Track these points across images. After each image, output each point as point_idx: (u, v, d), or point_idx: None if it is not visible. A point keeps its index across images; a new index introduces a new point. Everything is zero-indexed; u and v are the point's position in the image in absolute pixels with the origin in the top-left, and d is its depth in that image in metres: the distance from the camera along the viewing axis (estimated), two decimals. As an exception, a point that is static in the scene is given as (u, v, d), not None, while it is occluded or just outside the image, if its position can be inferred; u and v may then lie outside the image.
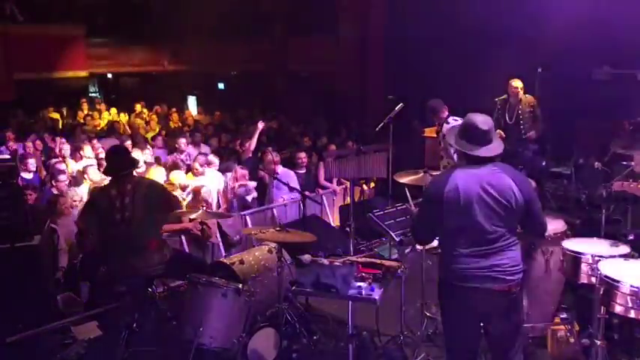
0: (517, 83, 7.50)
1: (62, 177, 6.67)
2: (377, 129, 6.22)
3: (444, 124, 6.54)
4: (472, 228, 3.12)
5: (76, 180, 7.15)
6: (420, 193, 4.59)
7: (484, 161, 3.17)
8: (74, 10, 15.50)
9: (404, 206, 4.77)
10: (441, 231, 3.27)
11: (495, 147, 3.21)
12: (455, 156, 3.33)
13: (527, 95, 7.59)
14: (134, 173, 4.55)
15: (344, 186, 8.20)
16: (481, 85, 9.35)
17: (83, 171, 7.21)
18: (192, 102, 18.03)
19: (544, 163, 7.63)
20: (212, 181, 7.33)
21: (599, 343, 3.76)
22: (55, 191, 6.49)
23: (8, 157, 7.11)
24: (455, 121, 6.49)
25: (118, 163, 4.43)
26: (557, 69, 9.00)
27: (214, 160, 7.79)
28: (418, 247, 5.04)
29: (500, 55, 9.47)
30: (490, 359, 3.54)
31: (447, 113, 6.63)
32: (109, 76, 18.20)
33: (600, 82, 8.94)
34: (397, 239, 4.46)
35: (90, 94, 17.52)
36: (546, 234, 3.68)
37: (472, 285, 3.14)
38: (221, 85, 18.30)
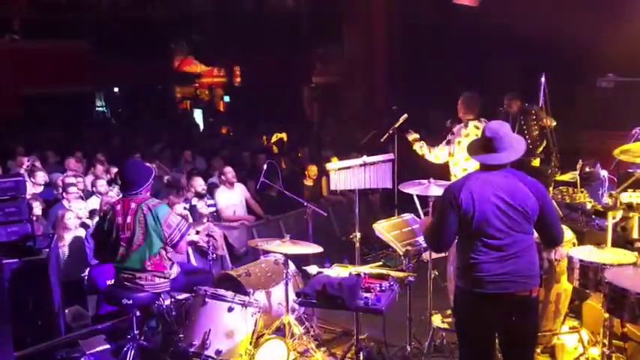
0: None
1: (72, 189, 6.71)
2: (382, 139, 6.20)
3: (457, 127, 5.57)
4: (487, 234, 3.12)
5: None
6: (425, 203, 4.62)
7: (497, 167, 3.19)
8: (81, 24, 15.65)
9: (409, 217, 4.77)
10: (458, 238, 3.26)
11: (504, 156, 3.20)
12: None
13: (527, 105, 7.60)
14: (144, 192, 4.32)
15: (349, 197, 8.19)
16: (484, 95, 9.35)
17: (92, 184, 7.23)
18: (198, 115, 18.14)
19: (549, 172, 7.61)
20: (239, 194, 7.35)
21: (607, 352, 3.74)
22: (65, 203, 6.53)
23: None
24: (477, 128, 5.31)
25: (126, 180, 4.38)
26: (561, 77, 9.00)
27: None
28: (424, 257, 5.04)
29: (504, 65, 9.50)
30: None
31: (470, 117, 5.46)
32: (116, 90, 18.34)
33: (605, 90, 8.92)
34: (403, 250, 4.46)
35: (97, 109, 17.66)
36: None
37: (491, 292, 3.12)
38: (226, 98, 18.42)
